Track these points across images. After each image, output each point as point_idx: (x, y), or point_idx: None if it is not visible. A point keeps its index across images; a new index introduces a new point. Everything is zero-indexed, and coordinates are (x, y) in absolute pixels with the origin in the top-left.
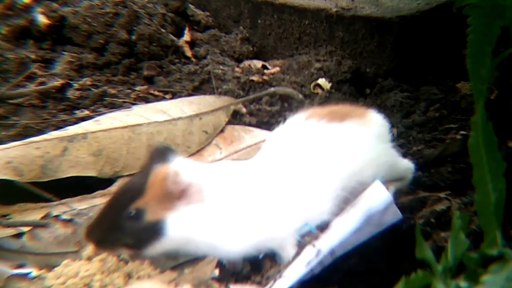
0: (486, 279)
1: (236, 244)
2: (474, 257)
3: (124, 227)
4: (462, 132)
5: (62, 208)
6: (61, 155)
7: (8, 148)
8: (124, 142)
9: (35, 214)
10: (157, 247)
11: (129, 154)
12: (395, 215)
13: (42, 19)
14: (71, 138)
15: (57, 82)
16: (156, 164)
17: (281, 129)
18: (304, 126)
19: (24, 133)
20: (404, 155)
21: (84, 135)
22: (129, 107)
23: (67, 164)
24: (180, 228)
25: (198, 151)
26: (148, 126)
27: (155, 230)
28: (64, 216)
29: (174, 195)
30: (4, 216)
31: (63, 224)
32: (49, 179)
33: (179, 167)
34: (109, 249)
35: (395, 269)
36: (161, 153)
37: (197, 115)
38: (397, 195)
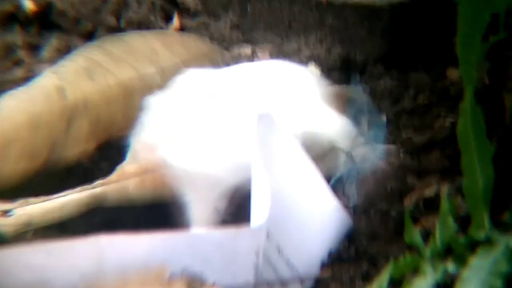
0: (474, 262)
1: None
2: (462, 241)
3: None
4: (450, 118)
5: None
6: None
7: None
8: (120, 105)
9: None
10: None
11: (124, 118)
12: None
13: (28, 5)
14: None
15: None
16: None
17: None
18: None
19: None
20: (394, 142)
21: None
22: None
23: None
24: None
25: None
26: (139, 81)
27: None
28: None
29: None
30: (6, 212)
31: None
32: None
33: None
34: None
35: (384, 253)
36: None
37: (183, 62)
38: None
